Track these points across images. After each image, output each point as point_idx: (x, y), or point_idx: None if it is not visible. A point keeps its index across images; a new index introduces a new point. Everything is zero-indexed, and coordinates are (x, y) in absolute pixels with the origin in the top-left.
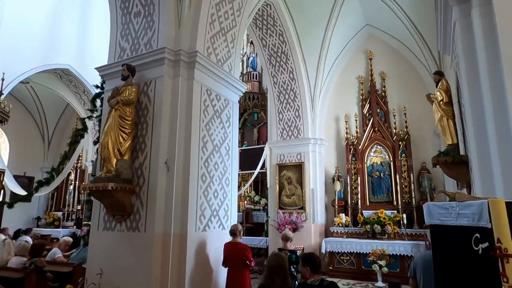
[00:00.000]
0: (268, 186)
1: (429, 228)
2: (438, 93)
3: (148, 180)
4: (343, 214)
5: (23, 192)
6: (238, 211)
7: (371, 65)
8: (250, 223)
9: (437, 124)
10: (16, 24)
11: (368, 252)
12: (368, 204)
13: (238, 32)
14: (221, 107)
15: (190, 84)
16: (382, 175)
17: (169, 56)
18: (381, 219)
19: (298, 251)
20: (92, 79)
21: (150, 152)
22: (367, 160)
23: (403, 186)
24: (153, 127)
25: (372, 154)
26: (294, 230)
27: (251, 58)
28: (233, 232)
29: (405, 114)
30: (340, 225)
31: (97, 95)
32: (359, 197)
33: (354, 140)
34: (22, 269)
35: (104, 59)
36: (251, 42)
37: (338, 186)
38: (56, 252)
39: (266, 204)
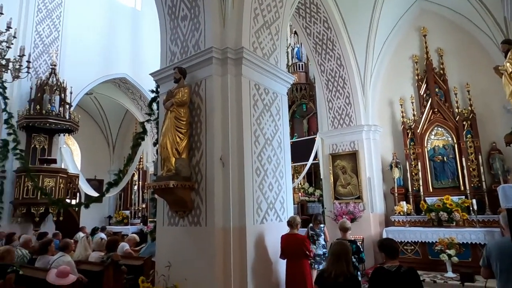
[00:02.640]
0: (321, 177)
1: (507, 212)
2: (508, 64)
3: (206, 176)
4: (404, 202)
5: (95, 194)
6: (293, 203)
7: (425, 42)
8: (306, 214)
9: (509, 99)
10: (77, 41)
11: (434, 241)
12: (431, 191)
13: (282, 23)
14: (270, 101)
15: (239, 80)
16: (445, 159)
17: (216, 55)
18: (447, 205)
19: (358, 242)
20: (147, 85)
21: (206, 150)
22: (427, 144)
23: (471, 169)
24: (206, 125)
25: (432, 137)
26: (352, 220)
27: (295, 49)
28: (290, 223)
29: (468, 91)
30: (402, 213)
31: (153, 99)
32: (421, 183)
33: (412, 123)
34: (101, 263)
35: (156, 65)
36: (295, 33)
37: (396, 173)
38: (124, 246)
39: (321, 195)
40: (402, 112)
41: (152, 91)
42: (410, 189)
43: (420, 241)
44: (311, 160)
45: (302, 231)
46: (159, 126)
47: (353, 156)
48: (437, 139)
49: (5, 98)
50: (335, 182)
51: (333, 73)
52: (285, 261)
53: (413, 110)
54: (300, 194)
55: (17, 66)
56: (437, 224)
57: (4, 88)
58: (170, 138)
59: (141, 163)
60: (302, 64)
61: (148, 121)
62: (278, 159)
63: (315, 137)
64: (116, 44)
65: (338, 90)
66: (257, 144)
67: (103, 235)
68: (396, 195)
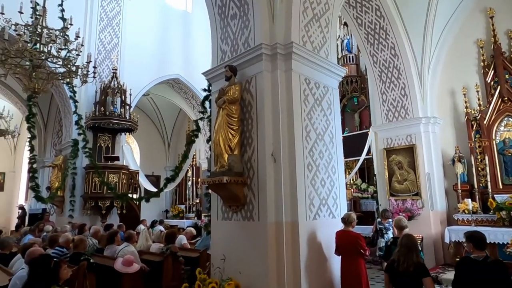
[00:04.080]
0: (375, 173)
1: None
2: None
3: (257, 172)
4: (469, 200)
5: (154, 189)
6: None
7: (492, 25)
8: (359, 211)
9: None
10: (134, 46)
11: (505, 243)
12: (500, 187)
13: (331, 15)
14: (321, 95)
15: (289, 75)
16: None
17: (266, 51)
18: None
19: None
20: (198, 84)
21: (257, 146)
22: (495, 136)
23: None
24: (257, 121)
25: (502, 128)
26: (410, 218)
27: (345, 41)
28: (345, 220)
29: None
30: (466, 212)
31: (206, 98)
32: (489, 179)
33: (477, 114)
34: (161, 254)
35: (207, 64)
36: (345, 24)
37: (459, 168)
38: (182, 239)
39: (375, 192)
40: (465, 102)
41: (204, 90)
42: (475, 186)
43: (488, 242)
44: (363, 155)
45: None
46: (212, 123)
47: (410, 151)
48: (507, 130)
49: (75, 101)
50: (390, 178)
51: (386, 64)
52: (340, 258)
53: (479, 99)
54: (352, 190)
55: (85, 72)
56: (509, 223)
57: (74, 92)
58: (223, 135)
59: (194, 159)
60: (352, 56)
61: (201, 119)
62: (330, 154)
63: (368, 131)
64: (169, 46)
65: (392, 82)
66: (308, 139)
67: (161, 228)
68: (460, 192)
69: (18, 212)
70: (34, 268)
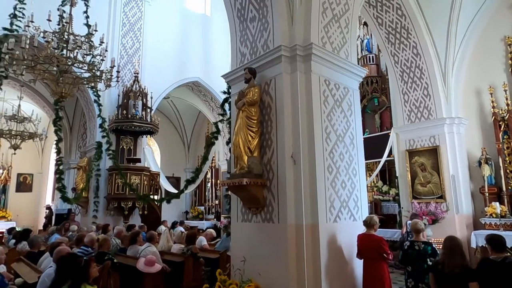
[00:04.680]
0: (397, 175)
1: None
2: None
3: (277, 174)
4: (497, 203)
5: (174, 190)
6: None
7: None
8: (380, 214)
9: None
10: (155, 50)
11: None
12: None
13: (351, 15)
14: (341, 96)
15: (308, 77)
16: None
17: (285, 53)
18: None
19: (434, 244)
20: (218, 87)
21: (277, 148)
22: None
23: None
24: (277, 123)
25: None
26: (434, 221)
27: (365, 41)
28: (366, 223)
29: None
30: (494, 215)
31: (225, 100)
32: None
33: (505, 114)
34: (181, 254)
35: (226, 67)
36: (364, 24)
37: (486, 170)
38: (202, 240)
39: (397, 194)
40: (492, 102)
41: (224, 92)
42: (504, 188)
43: None
44: (385, 157)
45: (381, 232)
46: (231, 125)
47: (433, 152)
48: None
49: (99, 105)
50: (413, 180)
51: (408, 64)
52: (362, 262)
53: (507, 99)
54: (373, 193)
55: (109, 76)
56: None
57: (98, 96)
58: (242, 137)
59: (214, 161)
60: (372, 56)
61: (221, 121)
62: (351, 156)
63: (389, 133)
64: (189, 50)
65: (414, 81)
66: (328, 141)
67: (182, 229)
68: (487, 195)
69: (45, 212)
70: (61, 266)
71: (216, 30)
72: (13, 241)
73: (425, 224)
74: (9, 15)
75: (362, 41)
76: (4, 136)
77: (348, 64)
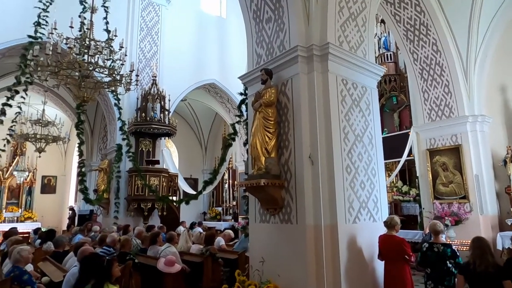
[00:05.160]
0: (417, 175)
1: None
2: None
3: (295, 174)
4: None
5: (192, 191)
6: None
7: None
8: (400, 215)
9: None
10: (172, 53)
11: None
12: None
13: (369, 13)
14: (359, 95)
15: (325, 76)
16: None
17: (302, 53)
18: None
19: (455, 245)
20: (234, 88)
21: (294, 148)
22: None
23: None
24: (294, 124)
25: None
26: (457, 222)
27: (382, 38)
28: (387, 224)
29: None
30: None
31: (242, 101)
32: None
33: None
34: (200, 255)
35: (242, 68)
36: (382, 21)
37: None
38: (220, 241)
39: (417, 195)
40: None
41: (241, 94)
42: None
43: None
44: (404, 157)
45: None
46: (248, 126)
47: (455, 151)
48: None
49: (119, 108)
50: (434, 180)
51: (428, 61)
52: (383, 263)
53: None
54: (392, 193)
55: (128, 80)
56: None
57: (118, 100)
58: (260, 138)
59: (231, 162)
60: (390, 54)
61: (238, 122)
62: (370, 156)
63: (409, 132)
64: (205, 52)
65: (434, 79)
66: (346, 141)
67: (200, 230)
68: None
69: (69, 213)
70: (85, 265)
71: (231, 32)
72: (39, 241)
73: (447, 225)
74: (34, 23)
75: (380, 39)
76: (29, 139)
77: (365, 63)
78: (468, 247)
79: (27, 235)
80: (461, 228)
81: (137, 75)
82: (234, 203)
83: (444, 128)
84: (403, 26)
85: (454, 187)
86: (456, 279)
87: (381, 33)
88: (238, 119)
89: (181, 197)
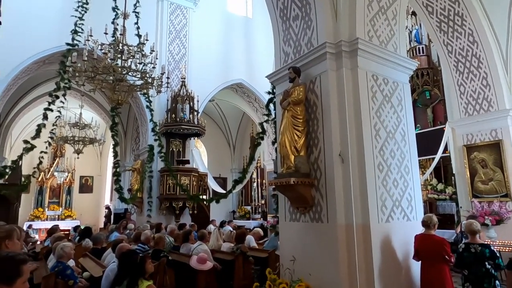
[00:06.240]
0: (454, 172)
1: None
2: None
3: (325, 173)
4: None
5: (222, 190)
6: None
7: None
8: (436, 214)
9: None
10: (200, 54)
11: None
12: None
13: (399, 6)
14: (390, 91)
15: (355, 73)
16: None
17: (330, 50)
18: None
19: (495, 246)
20: (261, 87)
21: (324, 146)
22: None
23: None
24: (323, 122)
25: None
26: (498, 222)
27: (414, 31)
28: (426, 223)
29: None
30: None
31: (270, 100)
32: None
33: None
34: (231, 253)
35: (268, 67)
36: (412, 13)
37: None
38: (251, 240)
39: (454, 193)
40: None
41: (268, 93)
42: None
43: None
44: (439, 153)
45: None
46: (277, 125)
47: (495, 147)
48: None
49: (151, 110)
50: (472, 177)
51: (463, 53)
52: (419, 264)
53: None
54: (427, 191)
55: (159, 83)
56: None
57: (150, 102)
58: (288, 136)
59: (259, 161)
60: (422, 47)
61: (266, 121)
62: (403, 153)
63: (443, 127)
64: (232, 52)
65: (471, 71)
66: (378, 138)
67: (230, 228)
68: None
69: (105, 211)
70: (123, 261)
71: (258, 32)
72: (78, 238)
73: (487, 225)
74: (71, 31)
75: (411, 32)
76: (68, 142)
77: (397, 57)
78: (511, 248)
79: (67, 232)
80: (503, 228)
81: (167, 78)
82: (263, 201)
83: (482, 122)
84: (436, 17)
85: (495, 184)
86: (497, 282)
87: (412, 25)
88: (266, 118)
89: (211, 196)
